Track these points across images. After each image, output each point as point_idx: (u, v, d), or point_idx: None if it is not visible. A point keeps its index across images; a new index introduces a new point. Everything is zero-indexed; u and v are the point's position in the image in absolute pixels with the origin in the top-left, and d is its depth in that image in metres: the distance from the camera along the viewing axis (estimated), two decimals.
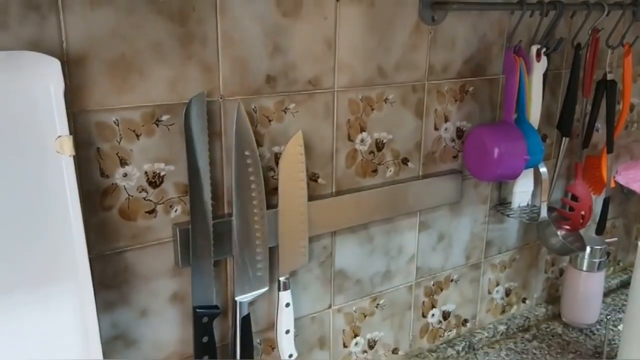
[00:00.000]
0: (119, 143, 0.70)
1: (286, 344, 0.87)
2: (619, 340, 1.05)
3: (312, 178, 0.88)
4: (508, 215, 1.11)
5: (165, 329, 0.80)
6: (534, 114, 1.02)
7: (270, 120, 0.81)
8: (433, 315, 1.11)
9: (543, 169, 1.07)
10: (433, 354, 1.12)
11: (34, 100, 0.60)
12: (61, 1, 0.63)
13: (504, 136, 0.98)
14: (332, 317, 0.97)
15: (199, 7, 0.72)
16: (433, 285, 1.09)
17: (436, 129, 0.99)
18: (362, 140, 0.91)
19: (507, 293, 1.23)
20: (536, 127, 1.01)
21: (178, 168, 0.75)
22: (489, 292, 1.19)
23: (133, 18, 0.68)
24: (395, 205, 0.97)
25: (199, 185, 0.75)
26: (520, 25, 0.98)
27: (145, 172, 0.73)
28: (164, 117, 0.73)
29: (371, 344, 1.04)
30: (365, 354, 1.03)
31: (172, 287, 0.79)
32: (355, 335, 1.01)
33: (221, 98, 0.77)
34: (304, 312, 0.93)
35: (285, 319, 0.86)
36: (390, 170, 0.96)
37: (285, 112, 0.82)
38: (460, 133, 1.03)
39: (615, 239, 1.35)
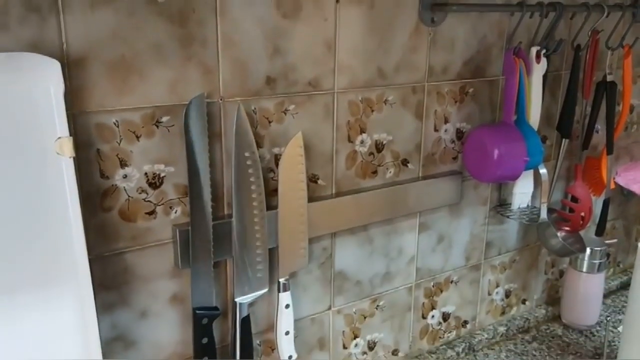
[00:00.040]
0: (119, 144, 0.70)
1: (286, 345, 0.87)
2: (619, 342, 1.05)
3: (312, 179, 0.88)
4: (508, 217, 1.11)
5: (164, 330, 0.80)
6: (534, 115, 1.02)
7: (270, 122, 0.81)
8: (433, 316, 1.11)
9: (543, 170, 1.07)
10: (433, 355, 1.12)
11: (34, 101, 0.60)
12: (61, 2, 0.63)
13: (504, 137, 0.98)
14: (332, 319, 0.97)
15: (199, 8, 0.72)
16: (433, 286, 1.09)
17: (436, 130, 0.99)
18: (362, 142, 0.91)
19: (507, 294, 1.23)
20: (536, 129, 1.01)
21: (178, 169, 0.75)
22: (489, 294, 1.19)
23: (133, 19, 0.68)
24: (395, 207, 0.97)
25: (199, 186, 0.75)
26: (520, 26, 0.98)
27: (145, 174, 0.73)
28: (164, 119, 0.73)
29: (371, 346, 1.04)
30: (365, 355, 1.03)
31: (172, 288, 0.79)
32: (355, 337, 1.01)
33: (221, 99, 0.77)
34: (304, 314, 0.93)
35: (285, 320, 0.86)
36: (390, 172, 0.96)
37: (285, 114, 0.82)
38: (460, 134, 1.03)
39: (615, 240, 1.35)
